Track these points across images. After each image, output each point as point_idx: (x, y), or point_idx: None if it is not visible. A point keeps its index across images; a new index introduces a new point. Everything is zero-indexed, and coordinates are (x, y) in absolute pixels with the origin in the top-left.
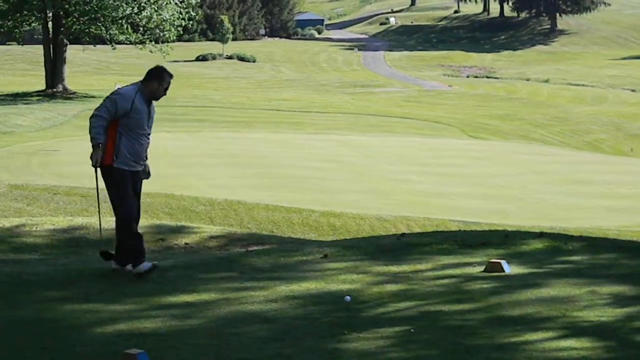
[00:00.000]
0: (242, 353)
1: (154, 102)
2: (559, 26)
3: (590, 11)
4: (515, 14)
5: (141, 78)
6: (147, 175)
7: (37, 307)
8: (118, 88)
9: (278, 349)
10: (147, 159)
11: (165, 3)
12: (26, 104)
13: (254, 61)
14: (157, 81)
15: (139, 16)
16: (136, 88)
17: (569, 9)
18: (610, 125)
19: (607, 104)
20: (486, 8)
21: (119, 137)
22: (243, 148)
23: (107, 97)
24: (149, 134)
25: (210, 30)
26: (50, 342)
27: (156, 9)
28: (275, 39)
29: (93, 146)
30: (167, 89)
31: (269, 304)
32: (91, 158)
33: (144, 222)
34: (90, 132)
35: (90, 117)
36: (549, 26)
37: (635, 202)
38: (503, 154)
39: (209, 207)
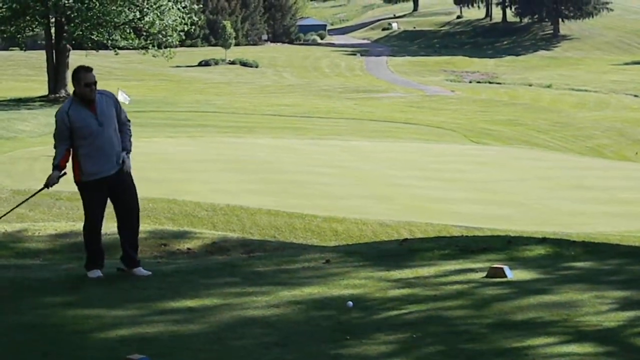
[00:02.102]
0: (244, 358)
1: (102, 98)
2: (562, 31)
3: (592, 16)
4: (517, 20)
5: (144, 83)
6: (127, 168)
7: (40, 312)
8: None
9: (280, 354)
10: (127, 152)
11: (167, 8)
12: (29, 109)
13: (256, 66)
14: (75, 82)
15: (142, 21)
16: (69, 100)
17: (572, 14)
18: (613, 130)
19: (609, 109)
20: (489, 13)
21: (78, 151)
22: (245, 153)
23: (55, 117)
24: (115, 129)
25: (213, 35)
26: (52, 347)
27: (158, 14)
28: (278, 44)
29: (53, 171)
30: (90, 84)
31: (271, 309)
32: (47, 183)
33: (146, 227)
34: (54, 159)
35: (54, 140)
36: (551, 31)
37: (638, 207)
38: (506, 160)
39: (211, 212)
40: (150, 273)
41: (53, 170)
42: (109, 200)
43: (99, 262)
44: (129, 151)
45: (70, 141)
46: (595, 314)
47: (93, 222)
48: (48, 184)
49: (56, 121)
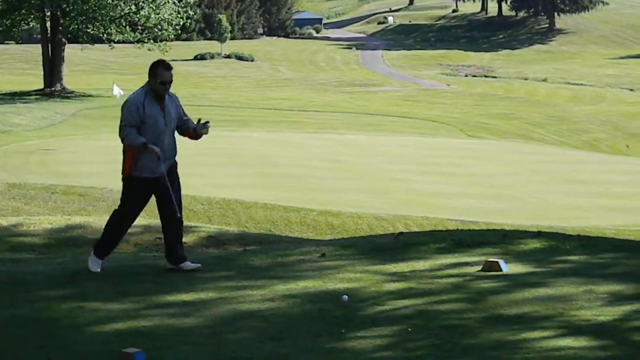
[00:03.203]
0: (240, 352)
1: (173, 96)
2: (557, 25)
3: (588, 10)
4: (513, 13)
5: (139, 77)
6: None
7: (35, 306)
8: (121, 94)
9: (275, 348)
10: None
11: (163, 2)
12: (24, 103)
13: (252, 60)
14: (152, 77)
15: (137, 15)
16: (143, 91)
17: (567, 8)
18: (608, 124)
19: (605, 103)
20: (484, 7)
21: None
22: (241, 147)
23: (124, 106)
24: (174, 131)
25: (209, 29)
26: (47, 341)
27: (154, 8)
28: (274, 38)
29: (145, 148)
30: (165, 82)
31: (266, 303)
32: (155, 158)
33: (142, 221)
34: (129, 143)
35: (121, 131)
36: (547, 25)
37: (633, 201)
38: (501, 153)
39: (207, 206)
40: (199, 265)
41: (145, 147)
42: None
43: (109, 253)
44: (205, 125)
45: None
46: (590, 307)
47: (128, 216)
48: (159, 156)
49: (128, 108)
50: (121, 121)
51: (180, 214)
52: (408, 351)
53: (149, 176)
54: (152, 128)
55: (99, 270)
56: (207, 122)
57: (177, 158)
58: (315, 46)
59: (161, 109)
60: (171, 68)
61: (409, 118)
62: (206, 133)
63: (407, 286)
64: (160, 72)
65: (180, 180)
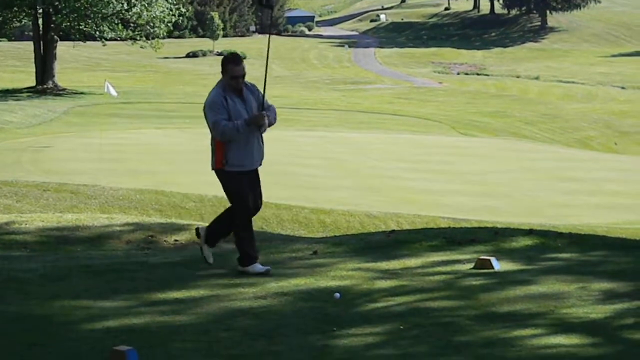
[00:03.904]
0: (232, 349)
1: (252, 87)
2: (549, 23)
3: (580, 8)
4: (505, 11)
5: (131, 74)
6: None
7: (27, 303)
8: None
9: (267, 346)
10: (270, 116)
11: (155, 0)
12: (16, 100)
13: (244, 58)
14: (223, 72)
15: (129, 13)
16: (221, 86)
17: (559, 6)
18: (600, 122)
19: (597, 101)
20: (476, 5)
21: (226, 142)
22: None
23: (206, 107)
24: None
25: (201, 26)
26: (39, 338)
27: (146, 5)
28: (266, 35)
29: (248, 125)
30: (237, 77)
31: (258, 300)
32: (259, 124)
33: (134, 218)
34: (230, 135)
35: (215, 130)
36: (539, 23)
37: (625, 199)
38: (493, 151)
39: (199, 203)
40: (269, 268)
41: (247, 125)
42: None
43: (255, 254)
44: (268, 116)
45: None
46: (581, 305)
47: (245, 203)
48: (265, 122)
49: (211, 107)
50: (210, 122)
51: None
52: (400, 348)
53: (241, 170)
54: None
55: (262, 268)
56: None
57: (170, 155)
58: (308, 44)
59: (242, 102)
60: (241, 61)
61: (401, 116)
62: (265, 123)
63: (399, 284)
64: (230, 67)
65: (171, 178)
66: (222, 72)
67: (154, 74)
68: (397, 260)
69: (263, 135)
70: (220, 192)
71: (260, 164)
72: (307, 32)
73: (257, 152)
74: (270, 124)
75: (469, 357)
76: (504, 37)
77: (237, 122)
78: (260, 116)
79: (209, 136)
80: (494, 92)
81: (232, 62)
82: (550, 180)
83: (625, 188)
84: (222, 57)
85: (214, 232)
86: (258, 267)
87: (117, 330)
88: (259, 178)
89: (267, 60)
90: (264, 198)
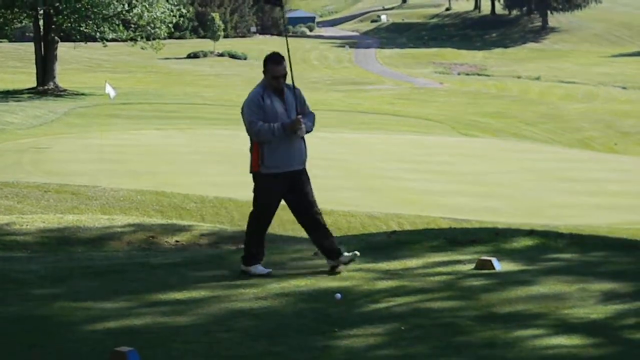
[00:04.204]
0: (232, 350)
1: (289, 92)
2: (550, 24)
3: (581, 8)
4: (506, 12)
5: (132, 75)
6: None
7: (27, 304)
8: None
9: (268, 346)
10: (307, 123)
11: (156, 0)
12: (17, 101)
13: (245, 58)
14: (266, 73)
15: (130, 13)
16: (261, 86)
17: (560, 7)
18: (601, 122)
19: (598, 101)
20: (477, 5)
21: (262, 143)
22: (234, 146)
23: (244, 106)
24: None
25: (202, 27)
26: (40, 339)
27: (147, 6)
28: (267, 36)
29: (284, 130)
30: (278, 77)
31: (259, 301)
32: (295, 130)
33: (135, 219)
34: (265, 137)
35: (250, 130)
36: (540, 24)
37: (626, 199)
38: (494, 152)
39: (200, 204)
40: (357, 252)
41: (284, 129)
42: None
43: (260, 256)
44: (306, 123)
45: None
46: (582, 305)
47: (266, 214)
48: (301, 128)
49: (248, 106)
50: (246, 121)
51: (318, 211)
52: (401, 349)
53: (277, 172)
54: (275, 121)
55: (265, 270)
56: (298, 117)
57: (171, 156)
58: (309, 44)
59: (282, 103)
60: (282, 61)
61: (402, 116)
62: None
63: (400, 284)
64: (270, 67)
65: (172, 179)
66: (264, 71)
67: (154, 75)
68: (398, 260)
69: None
70: (221, 193)
71: (302, 166)
72: (308, 33)
73: (297, 154)
74: (307, 131)
75: (469, 358)
76: (505, 38)
77: (274, 124)
78: (297, 122)
79: (210, 137)
80: (494, 92)
81: (272, 62)
82: (551, 181)
83: (626, 188)
84: (265, 57)
85: (324, 246)
86: (260, 268)
87: (117, 331)
88: (305, 180)
89: (289, 62)
90: None
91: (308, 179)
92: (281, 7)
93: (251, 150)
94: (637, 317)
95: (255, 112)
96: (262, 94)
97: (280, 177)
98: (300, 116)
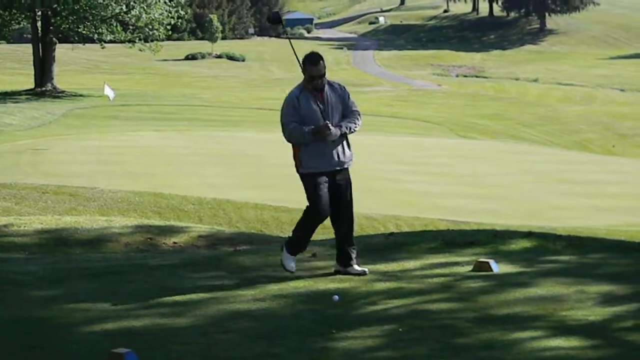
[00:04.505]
0: (231, 352)
1: (331, 90)
2: (548, 26)
3: (579, 11)
4: (504, 14)
5: (130, 76)
6: (334, 133)
7: (25, 306)
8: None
9: (266, 348)
10: (339, 127)
11: (154, 2)
12: (15, 102)
13: (243, 60)
14: (304, 73)
15: (128, 15)
16: (300, 86)
17: (558, 9)
18: (599, 124)
19: (596, 103)
20: (475, 7)
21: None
22: (232, 147)
23: (282, 107)
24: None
25: (200, 29)
26: (38, 341)
27: (145, 8)
28: (265, 38)
29: (314, 134)
30: (314, 77)
31: (257, 303)
32: (325, 134)
33: (133, 221)
34: (297, 139)
35: (284, 131)
36: (538, 26)
37: (624, 201)
38: (492, 154)
39: (198, 206)
40: (366, 270)
41: (313, 134)
42: None
43: (302, 250)
44: (341, 127)
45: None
46: (580, 307)
47: (320, 209)
48: (331, 130)
49: (285, 107)
50: (281, 123)
51: (351, 215)
52: (399, 351)
53: (316, 172)
54: (308, 123)
55: (294, 268)
56: (326, 123)
57: (169, 157)
58: (307, 46)
59: (320, 103)
60: (318, 61)
61: (400, 118)
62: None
63: (398, 286)
64: (307, 67)
65: (170, 180)
66: (302, 71)
67: (152, 77)
68: (396, 262)
69: (348, 136)
70: (219, 195)
71: (342, 167)
72: (306, 35)
73: (334, 155)
74: (348, 132)
75: None
76: (503, 40)
77: (305, 128)
78: (323, 127)
79: (208, 138)
80: (492, 94)
81: (309, 62)
82: (549, 183)
83: (624, 190)
84: (304, 56)
85: (340, 250)
86: (291, 264)
87: (116, 332)
88: (342, 182)
89: (298, 61)
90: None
91: (346, 181)
92: (283, 27)
93: (293, 150)
94: (635, 319)
95: (290, 114)
96: (299, 95)
97: (320, 175)
98: (327, 122)
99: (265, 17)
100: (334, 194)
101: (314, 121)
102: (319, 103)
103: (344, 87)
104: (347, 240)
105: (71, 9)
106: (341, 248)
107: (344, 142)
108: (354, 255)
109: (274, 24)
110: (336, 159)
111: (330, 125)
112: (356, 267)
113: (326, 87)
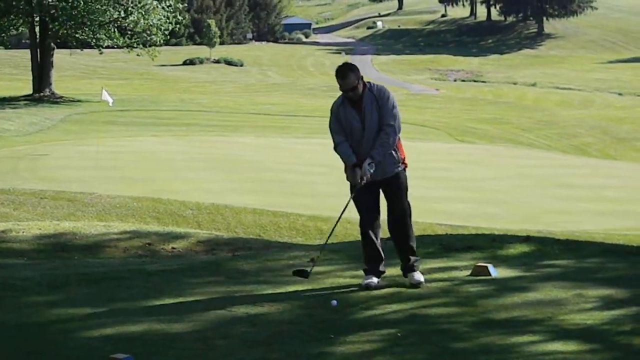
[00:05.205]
0: (229, 357)
1: (378, 93)
2: (546, 30)
3: (576, 15)
4: (502, 18)
5: (128, 82)
6: (363, 172)
7: (24, 311)
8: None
9: (264, 353)
10: (370, 159)
11: (152, 7)
12: (13, 108)
13: (241, 65)
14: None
15: (126, 20)
16: (341, 97)
17: (556, 13)
18: (597, 128)
19: (594, 107)
20: (473, 12)
21: None
22: (230, 152)
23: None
24: (375, 136)
25: (198, 34)
26: (36, 346)
27: (143, 13)
28: (263, 43)
29: (352, 169)
30: (346, 90)
31: (255, 308)
32: (357, 184)
33: (131, 226)
34: (339, 155)
35: (333, 145)
36: (536, 30)
37: (622, 205)
38: (490, 158)
39: (196, 211)
40: (422, 280)
41: (352, 167)
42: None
43: (373, 269)
44: (372, 158)
45: (348, 135)
46: (579, 312)
47: (361, 223)
48: (356, 183)
49: (331, 113)
50: (329, 129)
51: (402, 226)
52: (397, 356)
53: (357, 183)
54: (350, 134)
55: (374, 282)
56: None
57: (167, 162)
58: (305, 51)
59: (357, 113)
60: (347, 75)
61: None
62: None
63: (396, 291)
64: (338, 82)
65: (169, 186)
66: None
67: (150, 82)
68: (394, 267)
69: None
70: (218, 200)
71: (387, 176)
72: (304, 40)
73: (378, 165)
74: (384, 156)
75: None
76: (501, 44)
77: (348, 157)
78: (353, 175)
79: (206, 143)
80: (490, 98)
81: (337, 76)
82: (547, 187)
83: (623, 194)
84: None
85: (399, 257)
86: (370, 280)
87: (114, 338)
88: (391, 188)
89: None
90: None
91: (396, 187)
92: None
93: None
94: (633, 323)
95: (334, 122)
96: (340, 104)
97: (365, 186)
98: (357, 170)
99: (263, 23)
100: (388, 199)
101: (353, 132)
102: (357, 114)
103: (384, 93)
104: (403, 249)
105: (69, 15)
106: (400, 257)
107: (394, 150)
108: (409, 263)
109: (300, 277)
110: (379, 169)
111: (360, 176)
112: (415, 275)
113: (365, 95)
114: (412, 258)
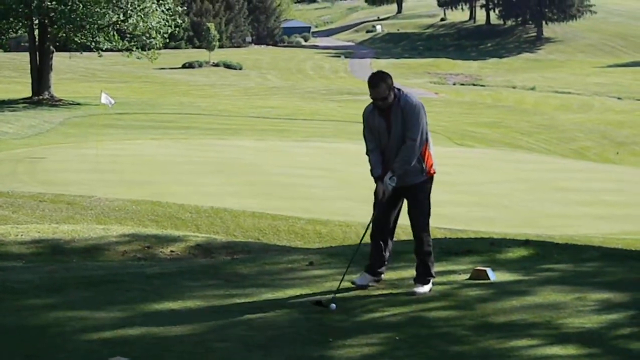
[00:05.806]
0: None
1: (405, 107)
2: (545, 34)
3: (576, 19)
4: (501, 22)
5: (127, 85)
6: (384, 186)
7: (22, 314)
8: None
9: (263, 356)
10: (391, 172)
11: (151, 11)
12: (12, 111)
13: (240, 68)
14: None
15: (125, 24)
16: (372, 104)
17: (555, 17)
18: (596, 132)
19: (593, 111)
20: (472, 16)
21: None
22: (229, 155)
23: None
24: (400, 146)
25: (197, 37)
26: (34, 349)
27: (142, 16)
28: (262, 46)
29: (375, 181)
30: (375, 99)
31: (254, 311)
32: (380, 198)
33: (130, 229)
34: (369, 165)
35: (366, 150)
36: (535, 34)
37: (621, 209)
38: (489, 162)
39: (195, 214)
40: (420, 292)
41: (376, 181)
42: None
43: (372, 268)
44: (393, 172)
45: (378, 141)
46: (577, 316)
47: (374, 223)
48: (381, 198)
49: (363, 119)
50: (363, 135)
51: (419, 233)
52: (396, 359)
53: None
54: (379, 140)
55: (365, 283)
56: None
57: (166, 166)
58: (304, 54)
59: (384, 122)
60: (378, 84)
61: None
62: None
63: (395, 294)
64: (369, 89)
65: (168, 189)
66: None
67: (149, 85)
68: (393, 270)
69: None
70: (217, 203)
71: (410, 183)
72: (303, 43)
73: (402, 174)
74: (403, 170)
75: None
76: (500, 48)
77: (374, 169)
78: (377, 188)
79: (205, 147)
80: (490, 102)
81: (369, 84)
82: (546, 191)
83: (622, 198)
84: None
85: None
86: (362, 277)
87: (112, 341)
88: (413, 195)
89: None
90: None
91: (415, 196)
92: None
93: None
94: (632, 327)
95: (365, 127)
96: (370, 111)
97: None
98: (381, 185)
99: (262, 26)
100: (409, 208)
101: (382, 139)
102: (385, 122)
103: (411, 105)
104: (417, 258)
105: (68, 18)
106: (416, 264)
107: (417, 159)
108: (418, 272)
109: (320, 306)
110: (402, 177)
111: (382, 190)
112: (420, 288)
113: (394, 105)
114: (423, 269)
